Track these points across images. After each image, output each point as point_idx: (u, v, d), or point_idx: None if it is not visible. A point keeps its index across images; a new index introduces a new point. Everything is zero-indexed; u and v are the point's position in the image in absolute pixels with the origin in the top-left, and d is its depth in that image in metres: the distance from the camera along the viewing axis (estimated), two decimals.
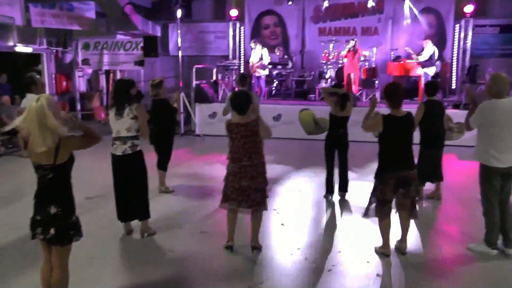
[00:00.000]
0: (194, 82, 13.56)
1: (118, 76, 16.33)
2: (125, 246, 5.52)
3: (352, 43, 13.04)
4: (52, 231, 3.50)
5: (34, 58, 14.83)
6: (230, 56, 15.59)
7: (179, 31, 13.76)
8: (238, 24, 15.66)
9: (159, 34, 16.46)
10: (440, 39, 14.35)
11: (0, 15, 11.07)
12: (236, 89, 10.35)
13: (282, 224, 6.08)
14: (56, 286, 3.74)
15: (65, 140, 3.46)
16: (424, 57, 12.50)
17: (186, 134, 13.03)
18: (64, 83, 15.48)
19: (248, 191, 4.95)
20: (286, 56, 14.70)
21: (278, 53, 14.59)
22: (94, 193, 7.16)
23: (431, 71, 12.45)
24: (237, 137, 4.91)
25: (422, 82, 12.18)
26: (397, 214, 5.07)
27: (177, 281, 4.66)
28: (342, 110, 6.75)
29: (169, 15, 15.19)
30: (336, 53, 13.94)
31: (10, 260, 5.10)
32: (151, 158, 5.84)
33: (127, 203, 5.54)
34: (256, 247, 5.21)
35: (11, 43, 13.34)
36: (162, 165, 7.41)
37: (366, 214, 5.26)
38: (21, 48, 13.58)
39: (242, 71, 15.02)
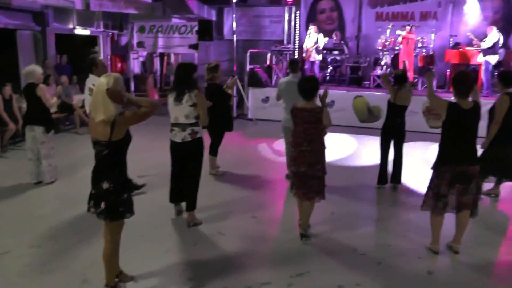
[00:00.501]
0: (248, 66, 13.52)
1: (173, 59, 16.54)
2: (175, 226, 5.56)
3: (408, 28, 12.59)
4: (102, 205, 3.61)
5: (91, 40, 15.20)
6: (285, 41, 15.44)
7: (234, 15, 13.70)
8: (294, 9, 15.46)
9: (214, 18, 16.48)
10: (506, 25, 13.52)
11: (61, 0, 11.37)
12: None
13: (333, 213, 5.96)
14: (106, 260, 3.84)
15: (122, 117, 3.53)
16: (487, 44, 11.75)
17: (238, 118, 13.01)
18: (119, 65, 15.81)
19: (305, 178, 4.90)
20: (342, 42, 14.40)
21: (335, 38, 14.29)
22: (146, 172, 7.27)
23: (493, 59, 11.70)
24: (300, 122, 4.90)
25: (482, 71, 11.62)
26: (455, 211, 4.80)
27: (224, 263, 4.63)
28: (398, 90, 6.52)
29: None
30: (392, 39, 13.49)
31: (68, 233, 5.26)
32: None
33: (180, 188, 5.57)
34: (305, 235, 5.13)
35: (70, 26, 13.76)
36: (213, 150, 7.43)
37: (423, 206, 5.04)
38: (79, 31, 13.95)
39: (296, 56, 14.84)
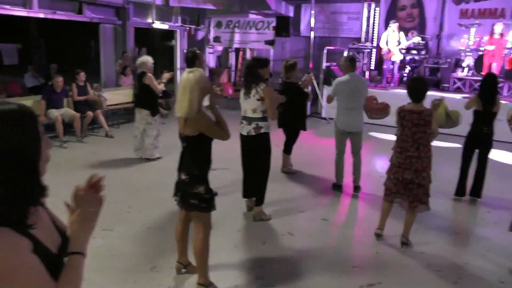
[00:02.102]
0: (324, 64, 13.30)
1: (248, 54, 16.60)
2: (245, 222, 5.56)
3: (499, 26, 11.78)
4: (178, 195, 3.77)
5: (169, 34, 15.55)
6: (362, 39, 15.06)
7: (312, 11, 13.47)
8: (373, 5, 15.02)
9: (291, 14, 16.36)
10: None
11: None
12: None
13: None
14: (195, 254, 3.85)
15: (194, 118, 3.53)
16: None
17: (312, 116, 12.86)
18: None
19: (410, 185, 4.71)
20: (423, 41, 13.73)
21: (413, 37, 13.67)
22: (217, 165, 7.29)
23: None
24: (408, 125, 4.68)
25: None
26: None
27: (293, 265, 4.54)
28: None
29: None
30: (477, 39, 12.69)
31: (141, 219, 5.37)
32: (277, 138, 5.74)
33: (249, 182, 5.58)
34: (405, 243, 4.93)
35: (149, 21, 14.17)
36: (287, 149, 7.37)
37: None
38: (158, 25, 14.31)
39: (374, 54, 14.44)
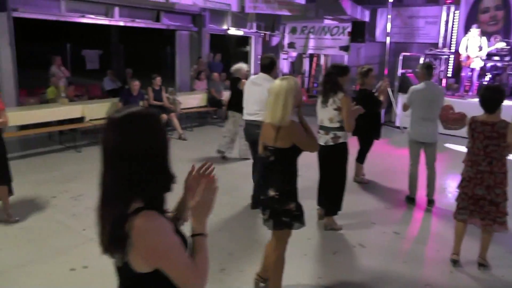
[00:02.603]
0: (400, 71, 12.94)
1: (322, 60, 16.51)
2: (316, 230, 5.50)
3: None
4: (267, 213, 3.56)
5: (243, 40, 15.78)
6: (440, 44, 14.50)
7: (389, 16, 13.18)
8: (452, 8, 14.39)
9: (367, 19, 16.09)
10: None
11: (218, 2, 12.02)
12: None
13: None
14: (270, 270, 3.78)
15: (287, 128, 3.40)
16: None
17: (385, 125, 12.55)
18: None
19: (482, 202, 4.42)
20: (508, 46, 12.88)
21: (496, 42, 12.91)
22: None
23: None
24: (479, 137, 4.40)
25: None
26: None
27: (363, 278, 4.41)
28: None
29: None
30: None
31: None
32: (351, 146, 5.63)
33: (325, 190, 5.52)
34: (483, 264, 4.64)
35: (225, 27, 14.47)
36: (360, 157, 7.25)
37: None
38: (233, 31, 14.56)
39: (452, 61, 13.88)
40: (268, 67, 5.91)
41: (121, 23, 12.10)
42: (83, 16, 11.00)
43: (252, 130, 5.65)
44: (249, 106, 5.94)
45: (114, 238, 1.59)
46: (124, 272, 1.65)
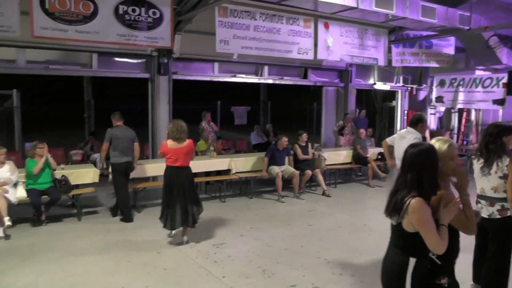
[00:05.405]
0: None
1: (472, 115, 15.46)
2: None
3: None
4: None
5: (389, 95, 15.48)
6: None
7: None
8: None
9: None
10: None
11: (366, 57, 12.00)
12: None
13: None
14: None
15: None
16: None
17: None
18: None
19: None
20: None
21: None
22: None
23: None
24: None
25: None
26: None
27: None
28: None
29: None
30: None
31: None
32: None
33: (481, 266, 4.78)
34: None
35: (371, 82, 14.36)
36: None
37: None
38: (379, 86, 14.37)
39: None
40: (415, 123, 6.08)
41: (270, 81, 12.70)
42: (234, 76, 11.81)
43: None
44: (398, 161, 5.76)
45: (396, 207, 2.79)
46: (397, 229, 2.86)
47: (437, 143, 3.14)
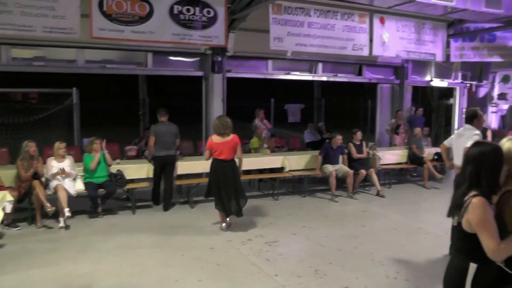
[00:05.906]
0: None
1: None
2: None
3: None
4: None
5: (446, 92, 14.96)
6: None
7: None
8: None
9: None
10: None
11: (423, 53, 11.59)
12: None
13: None
14: None
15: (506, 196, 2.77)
16: None
17: None
18: None
19: None
20: None
21: None
22: None
23: None
24: None
25: None
26: None
27: None
28: None
29: None
30: None
31: None
32: None
33: None
34: None
35: (428, 78, 13.93)
36: None
37: None
38: (436, 83, 13.90)
39: None
40: (470, 119, 6.03)
41: (324, 78, 12.50)
42: (288, 73, 11.74)
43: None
44: (457, 160, 5.77)
45: (457, 204, 2.67)
46: (457, 230, 2.70)
47: (507, 143, 2.91)
